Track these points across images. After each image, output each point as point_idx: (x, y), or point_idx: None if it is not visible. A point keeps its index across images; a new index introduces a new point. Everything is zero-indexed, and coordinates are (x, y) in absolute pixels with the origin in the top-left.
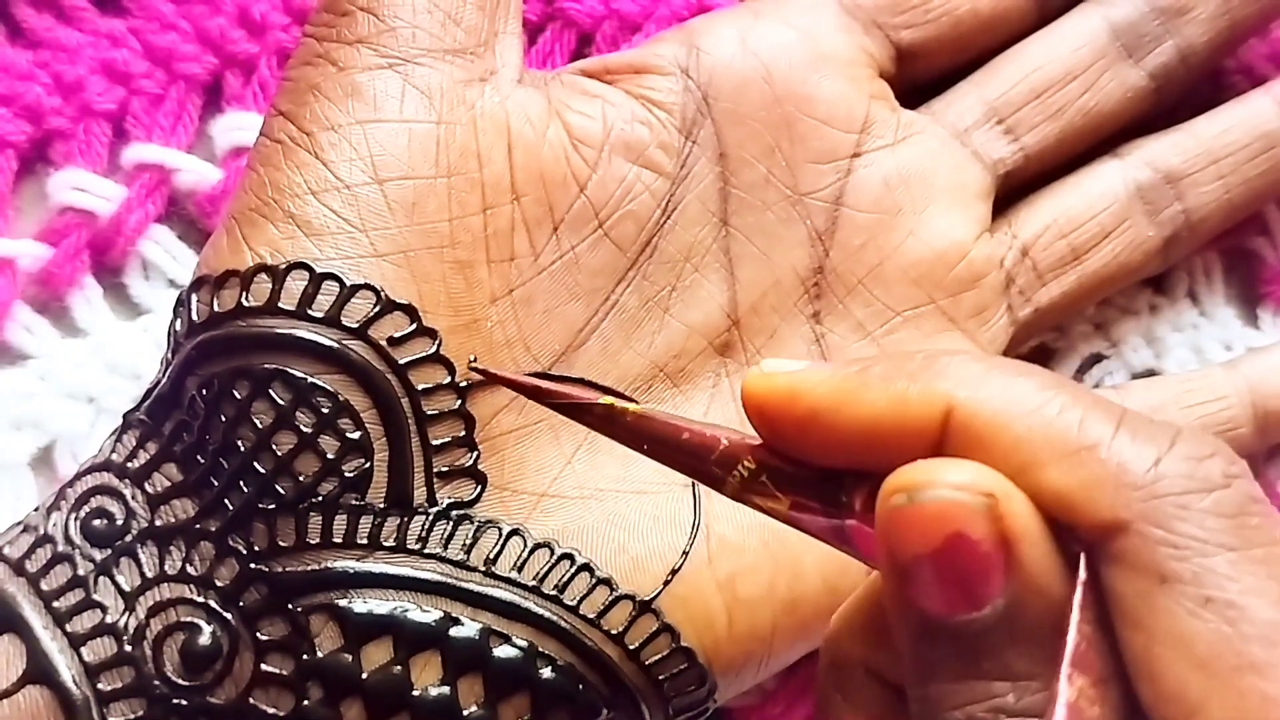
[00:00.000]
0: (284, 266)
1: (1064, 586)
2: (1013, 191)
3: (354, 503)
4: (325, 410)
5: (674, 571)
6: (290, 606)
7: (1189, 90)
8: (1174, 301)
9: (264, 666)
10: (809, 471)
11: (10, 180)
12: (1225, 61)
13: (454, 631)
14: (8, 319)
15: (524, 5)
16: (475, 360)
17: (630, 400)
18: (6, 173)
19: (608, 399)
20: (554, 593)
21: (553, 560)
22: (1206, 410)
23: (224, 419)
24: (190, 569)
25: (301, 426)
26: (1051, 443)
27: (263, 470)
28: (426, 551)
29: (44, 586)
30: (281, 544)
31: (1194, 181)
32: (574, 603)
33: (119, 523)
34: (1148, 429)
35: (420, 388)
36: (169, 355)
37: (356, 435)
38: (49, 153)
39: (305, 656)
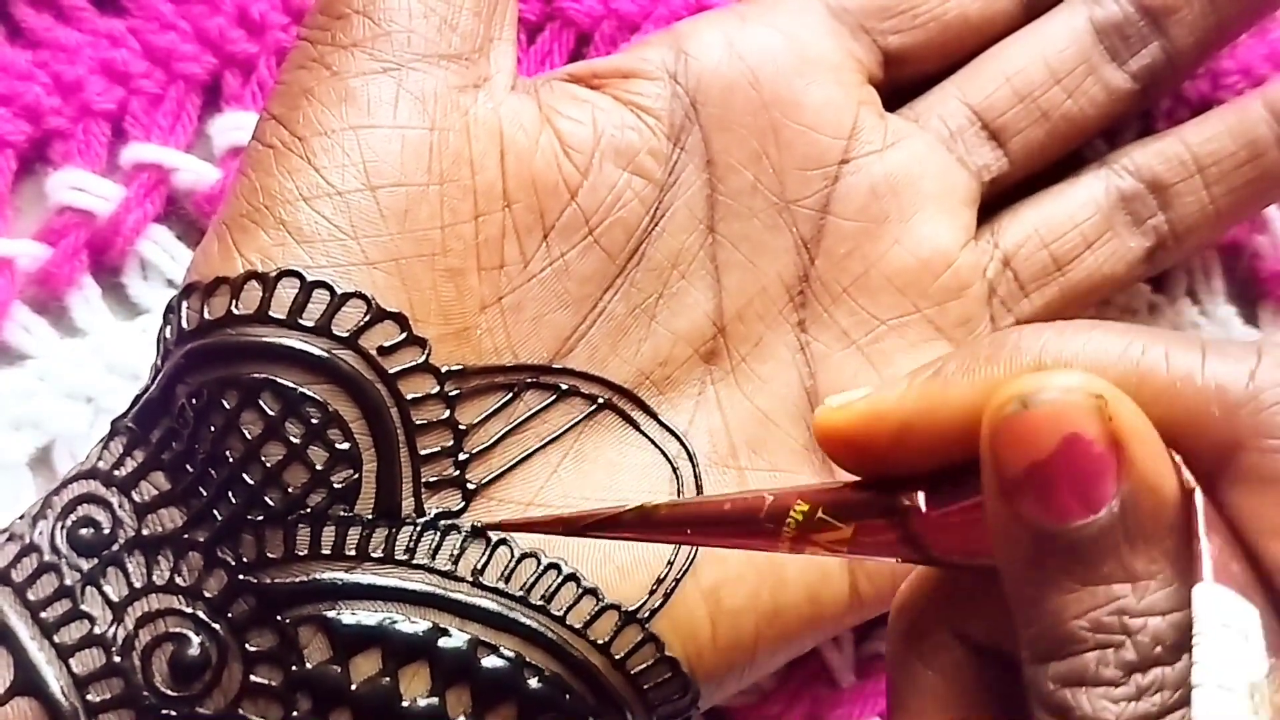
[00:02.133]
0: (274, 274)
1: (1176, 484)
2: (997, 196)
3: (342, 514)
4: (314, 421)
5: (659, 581)
6: (279, 618)
7: (1178, 90)
8: (1174, 300)
9: (253, 677)
10: (862, 494)
11: (9, 180)
12: (1223, 62)
13: (442, 642)
14: (6, 319)
15: (522, 5)
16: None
17: (661, 500)
18: (5, 172)
19: (631, 504)
20: (541, 602)
21: (539, 570)
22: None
23: (213, 429)
24: (178, 579)
25: (290, 437)
26: (1147, 381)
27: (251, 481)
28: (414, 562)
29: (30, 596)
30: (270, 555)
31: (1178, 191)
32: (561, 612)
33: (106, 532)
34: (1230, 349)
35: (410, 397)
36: (159, 362)
37: (345, 446)
38: (48, 152)
39: (294, 668)
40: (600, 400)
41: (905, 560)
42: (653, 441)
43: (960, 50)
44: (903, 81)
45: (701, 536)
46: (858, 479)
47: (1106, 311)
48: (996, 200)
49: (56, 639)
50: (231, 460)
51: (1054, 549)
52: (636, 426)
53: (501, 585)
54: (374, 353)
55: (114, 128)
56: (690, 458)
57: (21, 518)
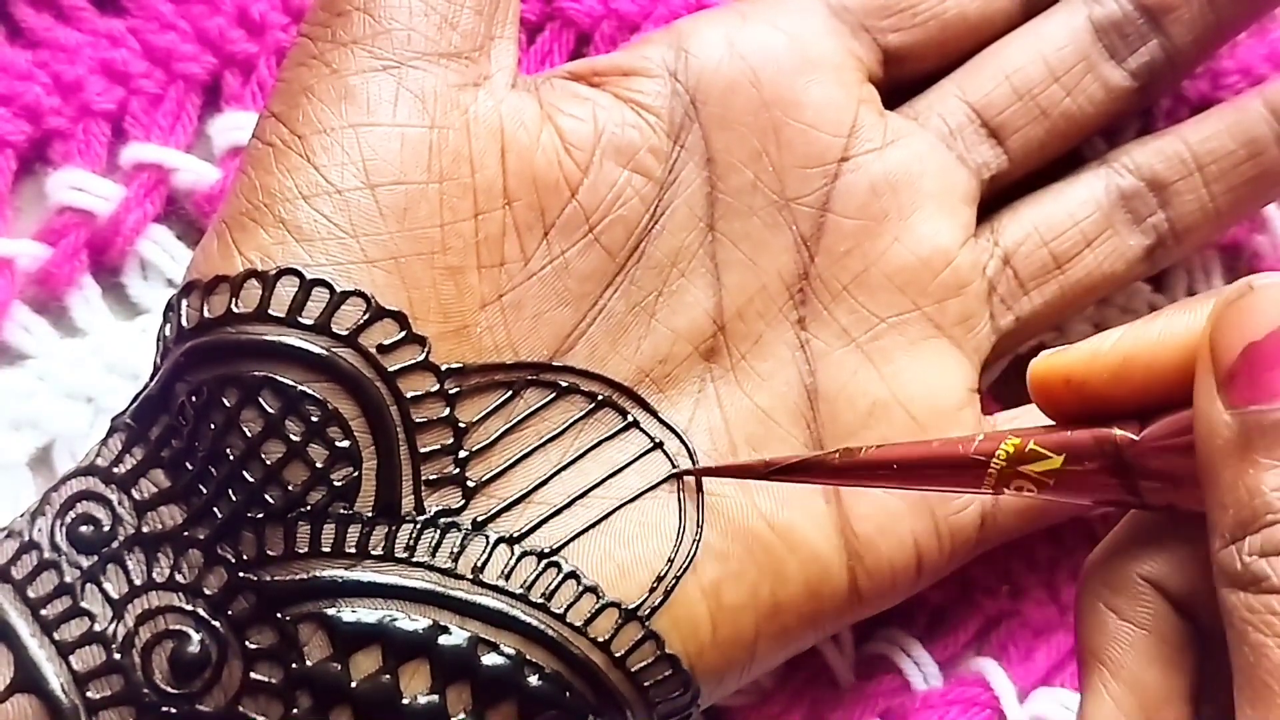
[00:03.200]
0: (274, 272)
1: None
2: (997, 194)
3: (342, 511)
4: (314, 419)
5: (659, 579)
6: (279, 615)
7: (1178, 89)
8: (1173, 300)
9: (253, 675)
10: (1073, 427)
11: (9, 180)
12: (1223, 62)
13: (442, 640)
14: (6, 319)
15: (522, 5)
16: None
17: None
18: (5, 172)
19: (832, 450)
20: (541, 600)
21: (540, 568)
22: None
23: (213, 426)
24: (179, 577)
25: (290, 435)
26: None
27: (251, 479)
28: (414, 560)
29: (30, 594)
30: (270, 553)
31: (1177, 189)
32: (561, 610)
33: (105, 529)
34: None
35: (409, 395)
36: (158, 360)
37: (345, 444)
38: (48, 152)
39: (294, 665)
40: (600, 398)
41: (1107, 502)
42: (653, 439)
43: (959, 48)
44: (903, 80)
45: (906, 477)
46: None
47: (1106, 311)
48: (996, 198)
49: (56, 636)
50: (231, 458)
51: (1259, 430)
52: (637, 424)
53: (502, 583)
54: (374, 351)
55: (114, 128)
56: (690, 455)
57: (22, 515)
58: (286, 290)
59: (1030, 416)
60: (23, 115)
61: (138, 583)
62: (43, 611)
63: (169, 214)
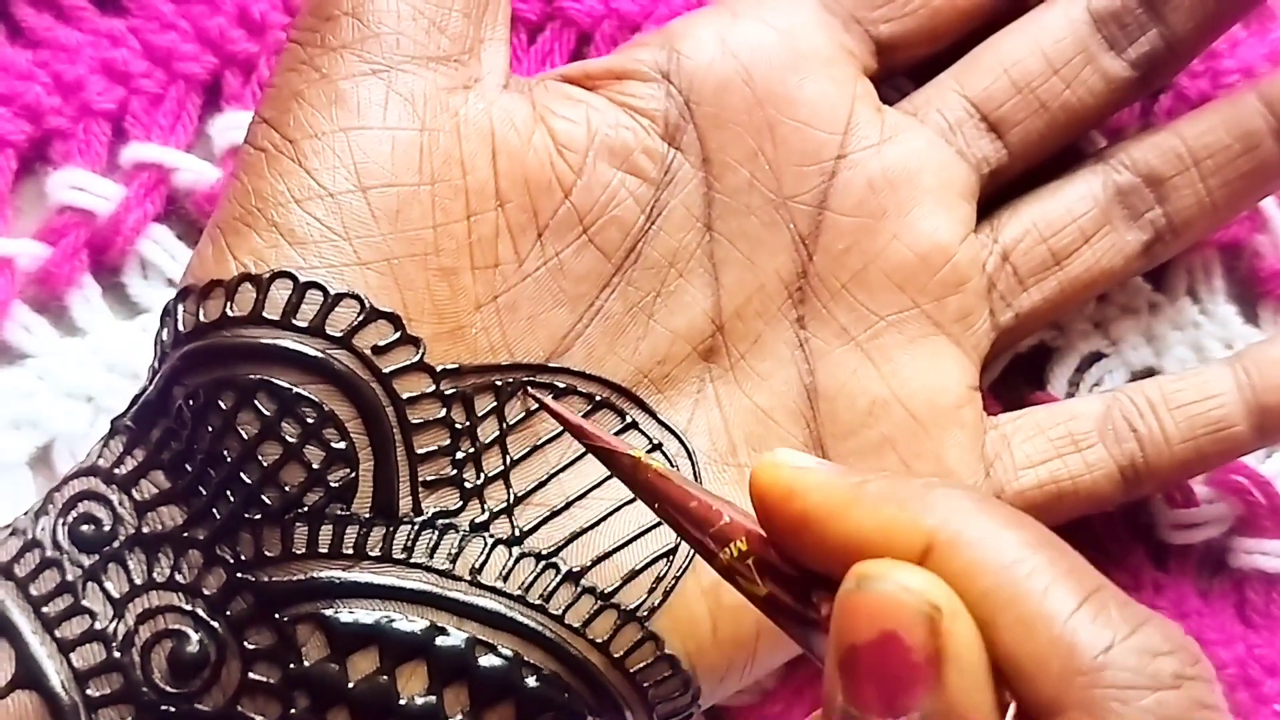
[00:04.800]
0: (268, 276)
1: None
2: (997, 189)
3: (339, 513)
4: (310, 421)
5: (658, 579)
6: (277, 616)
7: (1178, 83)
8: (1174, 299)
9: (251, 675)
10: (791, 568)
11: (9, 180)
12: (1223, 61)
13: (440, 641)
14: (6, 318)
15: (522, 5)
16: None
17: (658, 460)
18: (6, 172)
19: (636, 452)
20: (539, 602)
21: (538, 569)
22: (1194, 410)
23: (210, 429)
24: (178, 577)
25: (287, 437)
26: (1012, 605)
27: (249, 480)
28: (412, 561)
29: (33, 591)
30: (268, 554)
31: (1174, 184)
32: (559, 612)
33: (106, 529)
34: (1113, 611)
35: (405, 396)
36: (156, 364)
37: (342, 445)
38: (48, 152)
39: (292, 666)
40: (598, 399)
41: (801, 648)
42: (651, 440)
43: (951, 35)
44: (895, 69)
45: (663, 515)
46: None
47: (1107, 309)
48: (995, 194)
49: (58, 633)
50: (229, 460)
51: None
52: (635, 425)
53: (499, 584)
54: (368, 352)
55: (114, 127)
56: (689, 455)
57: (25, 513)
58: (280, 293)
59: (1032, 418)
60: (23, 115)
61: (138, 582)
62: (44, 609)
63: (169, 214)
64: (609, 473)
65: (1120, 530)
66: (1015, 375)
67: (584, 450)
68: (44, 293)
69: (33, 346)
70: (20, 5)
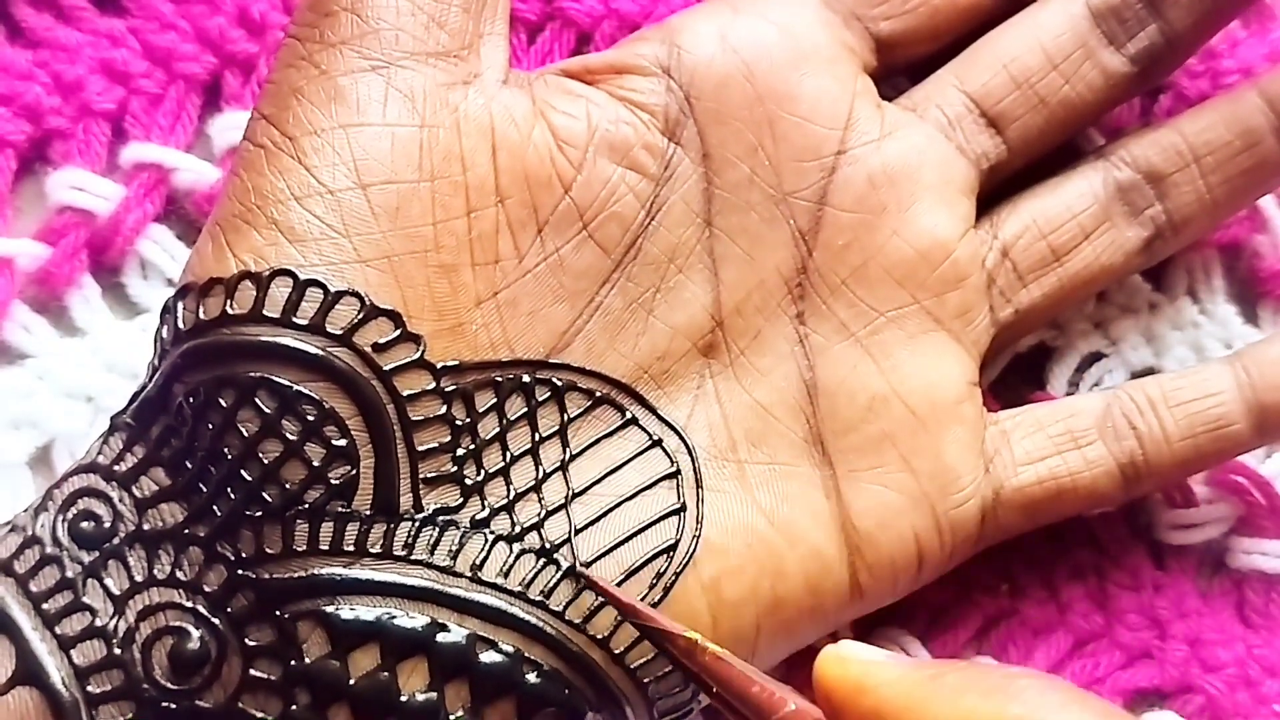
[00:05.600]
0: (268, 274)
1: None
2: (996, 185)
3: (340, 509)
4: (311, 418)
5: (659, 575)
6: (278, 613)
7: (1177, 79)
8: (1174, 299)
9: (252, 671)
10: None
11: (9, 180)
12: (1223, 61)
13: (440, 637)
14: (6, 318)
15: (522, 5)
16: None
17: (713, 644)
18: (5, 172)
19: (692, 634)
20: (540, 598)
21: (538, 565)
22: (1194, 409)
23: (210, 427)
24: (179, 574)
25: (287, 434)
26: None
27: (249, 478)
28: (413, 558)
29: (33, 588)
30: (269, 551)
31: (1175, 181)
32: (560, 607)
33: (106, 525)
34: None
35: (405, 393)
36: (155, 362)
37: (342, 443)
38: (48, 152)
39: (293, 662)
40: (598, 395)
41: None
42: (651, 436)
43: (950, 33)
44: (894, 66)
45: (720, 700)
46: None
47: (1107, 310)
48: (995, 190)
49: (58, 630)
50: (230, 457)
51: None
52: (635, 421)
53: (500, 580)
54: (369, 349)
55: (114, 127)
56: (689, 451)
57: (25, 510)
58: (280, 291)
59: (1032, 415)
60: (23, 115)
61: (139, 579)
62: (44, 606)
63: (169, 214)
64: (611, 468)
65: (1120, 530)
66: (1015, 375)
67: (584, 446)
68: (44, 293)
69: (32, 346)
70: (20, 5)
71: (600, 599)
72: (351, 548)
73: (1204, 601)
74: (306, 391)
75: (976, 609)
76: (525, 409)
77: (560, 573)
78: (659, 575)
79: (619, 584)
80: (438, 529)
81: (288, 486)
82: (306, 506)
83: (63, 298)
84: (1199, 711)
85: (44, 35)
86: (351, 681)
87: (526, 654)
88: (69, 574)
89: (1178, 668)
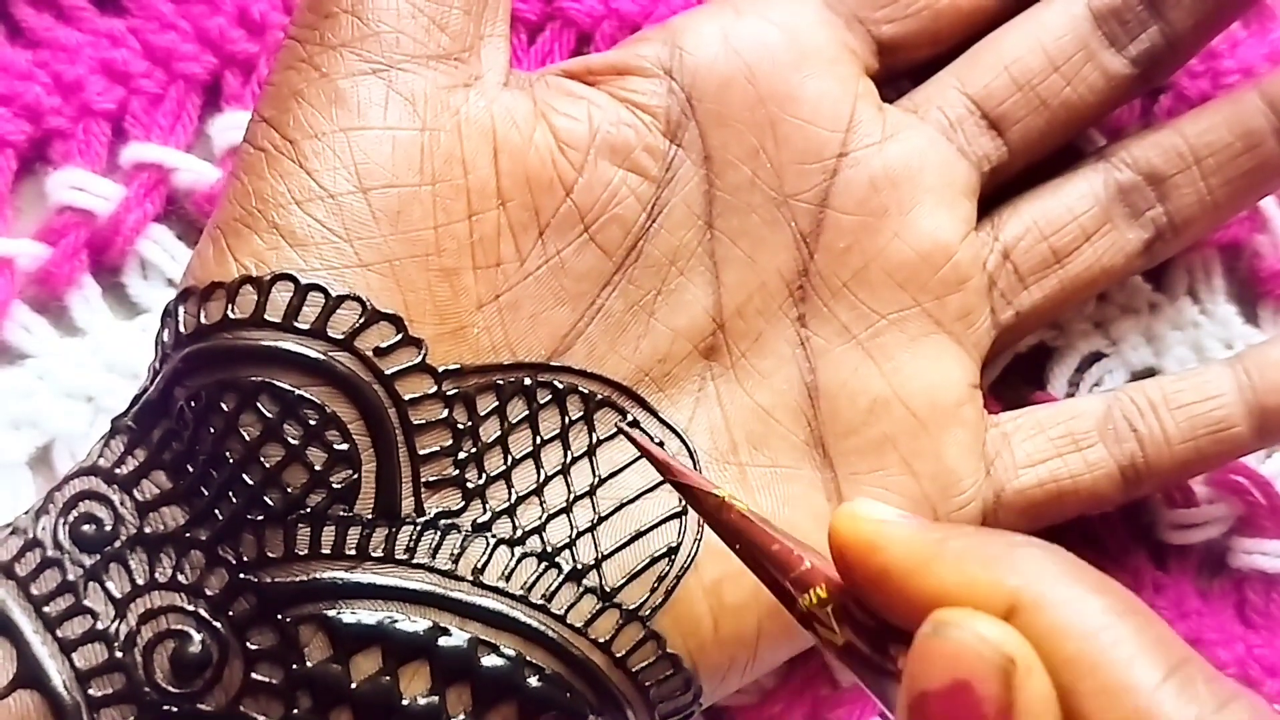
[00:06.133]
0: (269, 278)
1: None
2: (997, 187)
3: (342, 513)
4: (312, 422)
5: (660, 579)
6: (279, 616)
7: (1178, 81)
8: (1174, 299)
9: (254, 675)
10: (872, 619)
11: (9, 180)
12: (1223, 62)
13: (442, 641)
14: (6, 318)
15: (522, 5)
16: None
17: (743, 503)
18: (6, 172)
19: (722, 492)
20: (541, 601)
21: (540, 569)
22: (1195, 411)
23: (212, 431)
24: (180, 577)
25: (289, 439)
26: (1095, 672)
27: (251, 482)
28: (414, 561)
29: (34, 591)
30: (270, 555)
31: (1176, 183)
32: (561, 611)
33: (107, 528)
34: (1199, 685)
35: (407, 397)
36: (156, 365)
37: (344, 447)
38: (48, 152)
39: (295, 666)
40: (600, 397)
41: (876, 699)
42: (653, 438)
43: (952, 37)
44: (896, 69)
45: (744, 557)
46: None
47: (1107, 310)
48: (996, 192)
49: (59, 633)
50: (231, 461)
51: None
52: (636, 424)
53: (502, 584)
54: (370, 354)
55: (114, 127)
56: (691, 454)
57: (26, 513)
58: (282, 295)
59: (1033, 417)
60: (23, 115)
61: (140, 582)
62: (45, 609)
63: (169, 214)
64: (613, 471)
65: (1120, 530)
66: (1015, 375)
67: (586, 449)
68: (44, 293)
69: (32, 347)
70: (20, 5)
71: (602, 602)
72: (353, 552)
73: (1204, 601)
74: (308, 396)
75: None
76: (526, 412)
77: (562, 576)
78: (660, 578)
79: (621, 588)
80: (439, 533)
81: (289, 490)
82: (308, 510)
83: (63, 298)
84: None
85: (44, 35)
86: (353, 685)
87: (528, 658)
88: (70, 577)
89: None
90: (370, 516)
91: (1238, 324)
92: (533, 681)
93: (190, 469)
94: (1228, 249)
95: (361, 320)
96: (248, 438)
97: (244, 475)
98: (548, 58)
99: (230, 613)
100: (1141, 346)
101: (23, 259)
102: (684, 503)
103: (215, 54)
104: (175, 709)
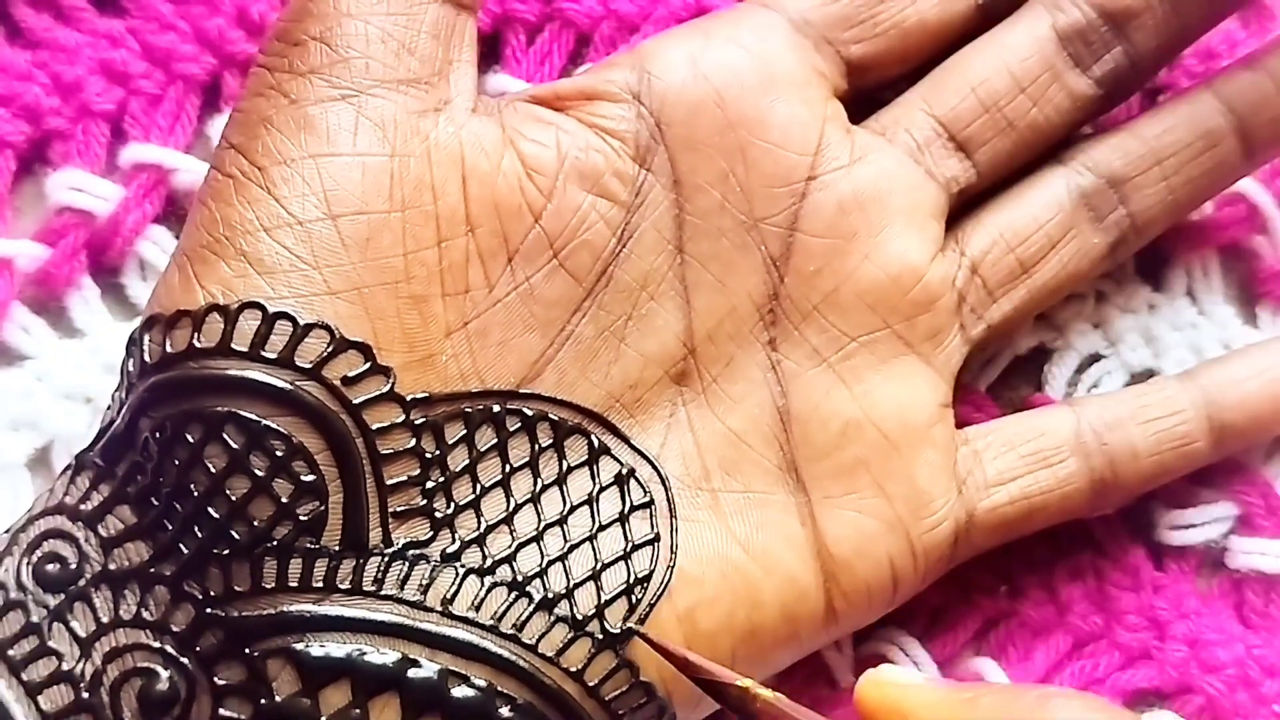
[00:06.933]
0: (236, 306)
1: None
2: (963, 205)
3: (309, 546)
4: (279, 453)
5: (633, 606)
6: (247, 651)
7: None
8: (1172, 300)
9: (222, 711)
10: None
11: (8, 180)
12: (1221, 62)
13: (412, 673)
14: (5, 319)
15: (521, 5)
16: (642, 629)
17: (765, 689)
18: (5, 173)
19: (746, 682)
20: (512, 631)
21: (511, 598)
22: (1161, 426)
23: (177, 462)
24: (145, 614)
25: (255, 470)
26: None
27: (217, 515)
28: (383, 593)
29: None
30: (237, 588)
31: (1137, 184)
32: (532, 641)
33: (72, 567)
34: None
35: (375, 427)
36: (122, 395)
37: (310, 478)
38: (47, 153)
39: (263, 701)
40: (570, 424)
41: None
42: (624, 465)
43: (920, 55)
44: (864, 89)
45: None
46: None
47: (1106, 311)
48: (960, 207)
49: (24, 676)
50: (196, 494)
51: None
52: (607, 450)
53: (472, 614)
54: (338, 383)
55: (113, 128)
56: (662, 481)
57: None
58: (249, 324)
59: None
60: (22, 115)
61: (105, 621)
62: (10, 652)
63: (168, 214)
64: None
65: (1119, 530)
66: (1015, 376)
67: (556, 477)
68: (43, 294)
69: (31, 348)
70: (20, 5)
71: (573, 631)
72: (320, 584)
73: (1203, 602)
74: (275, 426)
75: (976, 610)
76: (495, 440)
77: (533, 605)
78: (633, 606)
79: (592, 617)
80: (408, 563)
81: (255, 523)
82: (275, 543)
83: (62, 298)
84: (1199, 712)
85: (43, 36)
86: (323, 719)
87: (499, 688)
88: (34, 619)
89: (1177, 668)
90: (338, 548)
91: (1236, 325)
92: (505, 712)
93: (154, 502)
94: (1227, 250)
95: (330, 349)
96: (213, 469)
97: (209, 508)
98: (547, 59)
99: (197, 648)
100: (1140, 348)
101: (22, 260)
102: (655, 537)
103: (214, 55)
104: None
